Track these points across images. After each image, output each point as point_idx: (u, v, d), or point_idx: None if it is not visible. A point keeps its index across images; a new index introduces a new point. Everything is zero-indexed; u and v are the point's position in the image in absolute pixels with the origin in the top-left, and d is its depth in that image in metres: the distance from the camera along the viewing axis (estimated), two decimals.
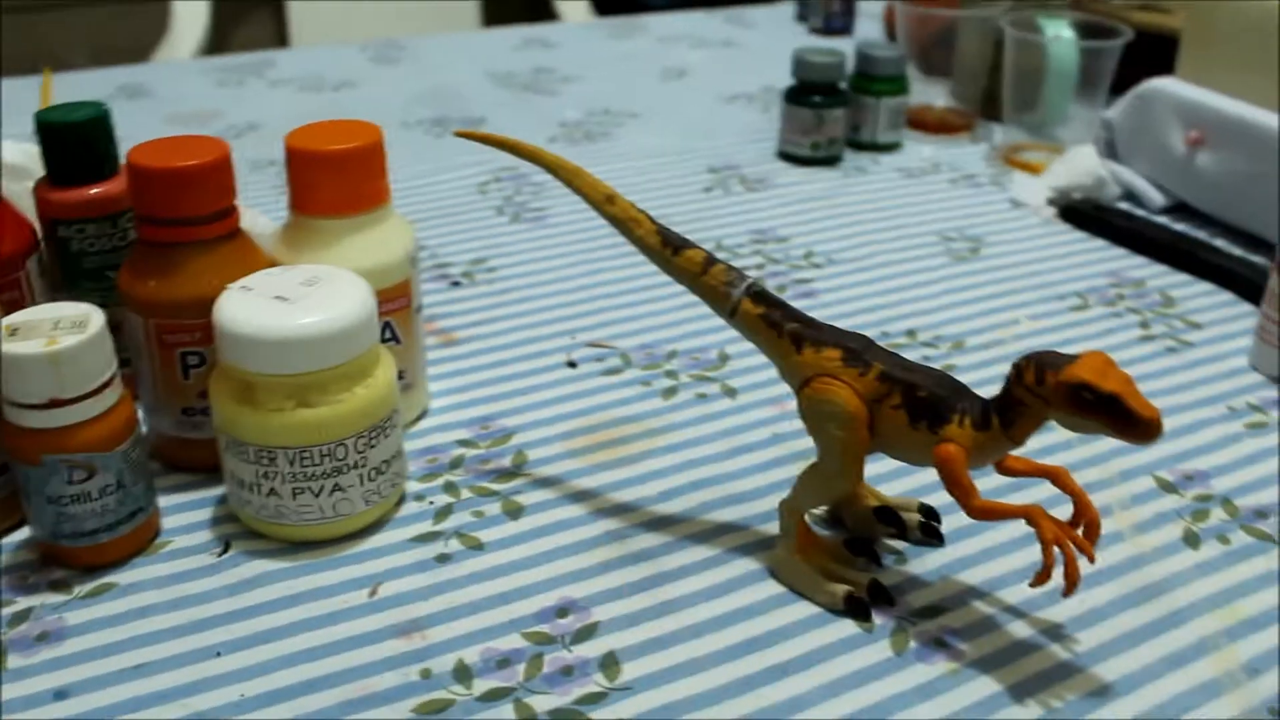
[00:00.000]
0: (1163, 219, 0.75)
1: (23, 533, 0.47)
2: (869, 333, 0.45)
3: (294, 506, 0.44)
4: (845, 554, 0.45)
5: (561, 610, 0.43)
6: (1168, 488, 0.50)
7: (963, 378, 0.41)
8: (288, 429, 0.43)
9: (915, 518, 0.46)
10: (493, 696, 0.39)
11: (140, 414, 0.46)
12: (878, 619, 0.42)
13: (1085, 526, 0.39)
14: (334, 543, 0.46)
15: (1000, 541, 0.46)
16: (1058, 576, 0.39)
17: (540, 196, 0.79)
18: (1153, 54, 0.81)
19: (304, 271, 0.45)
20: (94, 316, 0.43)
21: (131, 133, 0.55)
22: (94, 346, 0.42)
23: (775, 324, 0.42)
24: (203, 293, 0.46)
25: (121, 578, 0.45)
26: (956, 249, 0.72)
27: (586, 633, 0.42)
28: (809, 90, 0.82)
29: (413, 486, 0.49)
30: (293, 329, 0.42)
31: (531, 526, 0.47)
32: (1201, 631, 0.42)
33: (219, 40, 1.92)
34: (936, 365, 0.52)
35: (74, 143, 0.51)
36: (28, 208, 0.53)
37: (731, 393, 0.56)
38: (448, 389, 0.56)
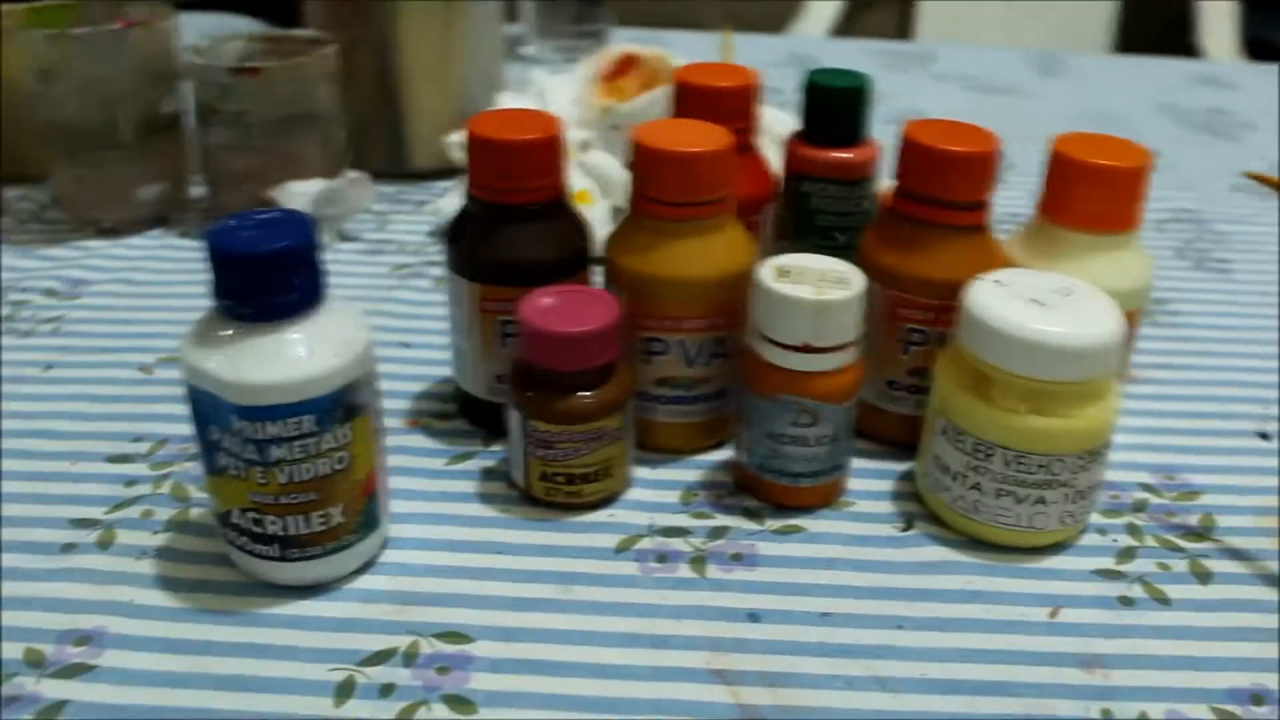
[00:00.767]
0: None
1: (719, 454, 0.51)
2: None
3: (994, 506, 0.44)
4: None
5: (1256, 697, 0.40)
6: None
7: None
8: (1015, 431, 0.43)
9: None
10: None
11: None
12: None
13: None
14: (1016, 551, 0.45)
15: None
16: None
17: (1224, 246, 0.73)
18: None
19: (1058, 280, 0.45)
20: (855, 277, 0.45)
21: None
22: (853, 304, 0.44)
23: None
24: (946, 275, 0.47)
25: (809, 524, 0.47)
26: None
27: None
28: None
29: (1094, 518, 0.48)
30: (1048, 335, 0.42)
31: (1221, 597, 0.44)
32: None
33: (846, 23, 1.98)
34: None
35: (838, 107, 0.54)
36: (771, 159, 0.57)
37: None
38: (1129, 426, 0.54)
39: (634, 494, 0.48)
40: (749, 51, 1.02)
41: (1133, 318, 0.49)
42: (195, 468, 0.48)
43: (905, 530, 0.47)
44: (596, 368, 0.45)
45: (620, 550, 0.45)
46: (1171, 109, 1.00)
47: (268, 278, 0.37)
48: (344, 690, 0.39)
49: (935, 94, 1.00)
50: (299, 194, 0.66)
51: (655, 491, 0.48)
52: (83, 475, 0.48)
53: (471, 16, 0.77)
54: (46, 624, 0.41)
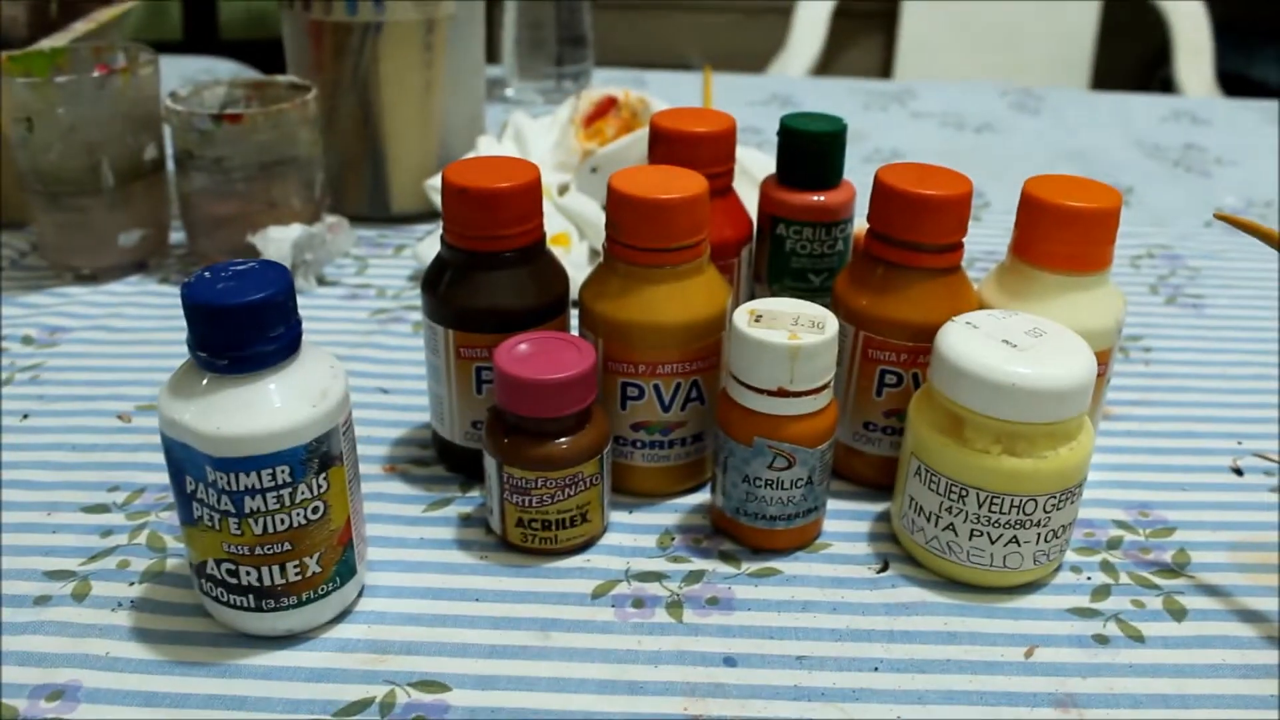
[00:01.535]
0: None
1: (696, 498, 0.51)
2: None
3: (967, 546, 0.45)
4: None
5: None
6: None
7: None
8: (988, 472, 0.43)
9: None
10: None
11: None
12: None
13: None
14: (991, 591, 0.46)
15: None
16: None
17: (1196, 282, 0.74)
18: None
19: (1028, 321, 0.45)
20: (830, 320, 0.45)
21: None
22: (827, 348, 0.44)
23: None
24: (918, 318, 0.47)
25: (785, 566, 0.47)
26: None
27: None
28: None
29: (1069, 556, 0.48)
30: (1020, 377, 0.42)
31: (1196, 633, 0.44)
32: None
33: (826, 61, 1.99)
34: None
35: (813, 151, 0.55)
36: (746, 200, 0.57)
37: None
38: (1103, 463, 0.54)
39: (611, 538, 0.48)
40: (729, 91, 1.04)
41: (1105, 357, 0.49)
42: (172, 517, 0.48)
43: (881, 571, 0.47)
44: (573, 414, 0.45)
45: (597, 596, 0.45)
46: (1147, 145, 1.01)
47: (242, 330, 0.38)
48: None
49: (913, 132, 1.01)
50: (278, 239, 0.67)
51: (632, 535, 0.48)
52: (59, 525, 0.48)
53: (452, 59, 0.78)
54: (20, 679, 0.40)
